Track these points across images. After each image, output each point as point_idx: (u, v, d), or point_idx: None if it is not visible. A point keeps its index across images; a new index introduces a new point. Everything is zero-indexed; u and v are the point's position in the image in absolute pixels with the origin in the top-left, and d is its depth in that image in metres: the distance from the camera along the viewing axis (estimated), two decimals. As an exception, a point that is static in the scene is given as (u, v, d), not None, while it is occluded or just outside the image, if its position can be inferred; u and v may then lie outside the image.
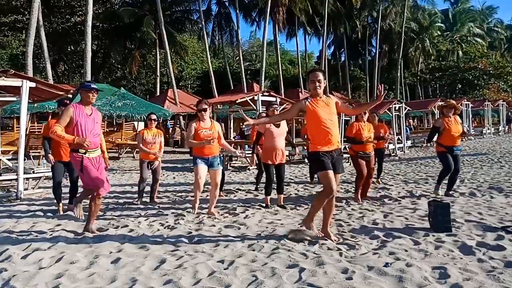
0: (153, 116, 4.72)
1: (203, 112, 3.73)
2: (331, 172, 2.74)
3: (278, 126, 4.24)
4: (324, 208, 2.91)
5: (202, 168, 3.71)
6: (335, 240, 2.82)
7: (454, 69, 29.00)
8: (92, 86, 3.08)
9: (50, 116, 11.45)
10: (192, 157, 3.90)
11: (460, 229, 3.05)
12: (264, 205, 4.22)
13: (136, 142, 4.87)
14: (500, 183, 5.21)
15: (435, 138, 4.70)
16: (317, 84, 2.78)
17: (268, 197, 4.24)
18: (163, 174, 7.63)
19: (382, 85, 2.97)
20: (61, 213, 4.00)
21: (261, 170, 5.58)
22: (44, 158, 7.95)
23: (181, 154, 12.84)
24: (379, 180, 5.80)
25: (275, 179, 4.25)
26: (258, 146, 4.64)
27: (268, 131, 4.26)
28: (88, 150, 3.02)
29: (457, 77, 28.52)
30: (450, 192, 4.51)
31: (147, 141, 4.55)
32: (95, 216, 3.24)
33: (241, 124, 15.89)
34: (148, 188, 4.72)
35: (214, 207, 3.90)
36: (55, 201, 4.23)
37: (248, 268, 2.34)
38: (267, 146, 4.28)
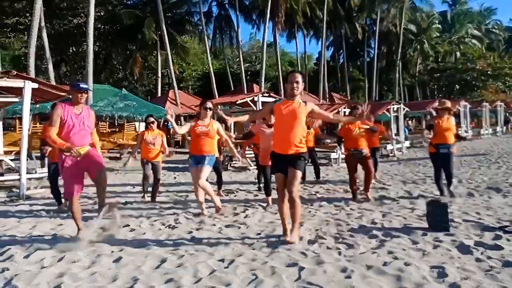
0: (151, 119, 4.73)
1: (208, 111, 3.77)
2: (278, 175, 2.84)
3: (271, 126, 4.27)
4: (289, 212, 2.83)
5: (194, 170, 3.73)
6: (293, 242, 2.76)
7: (452, 70, 29.05)
8: (81, 86, 3.07)
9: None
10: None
11: (458, 228, 3.07)
12: (265, 204, 4.24)
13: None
14: (498, 183, 5.23)
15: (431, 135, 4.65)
16: (295, 85, 2.78)
17: (270, 197, 4.27)
18: (164, 175, 7.66)
19: (368, 105, 3.05)
20: (64, 208, 4.07)
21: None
22: (46, 158, 7.97)
23: (181, 154, 12.85)
24: (375, 175, 5.78)
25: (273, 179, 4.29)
26: (255, 147, 4.67)
27: (262, 132, 4.29)
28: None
29: (455, 78, 28.57)
30: (451, 189, 4.45)
31: (147, 141, 4.62)
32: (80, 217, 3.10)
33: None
34: (149, 189, 4.77)
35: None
36: (54, 201, 4.28)
37: (248, 267, 2.36)
38: (263, 147, 4.32)
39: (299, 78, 2.79)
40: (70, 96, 5.88)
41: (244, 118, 3.27)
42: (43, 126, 4.50)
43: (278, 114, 2.84)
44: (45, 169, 5.08)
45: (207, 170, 3.70)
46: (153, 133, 4.68)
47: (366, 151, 4.46)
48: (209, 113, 3.80)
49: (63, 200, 4.18)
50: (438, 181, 4.44)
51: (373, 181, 5.72)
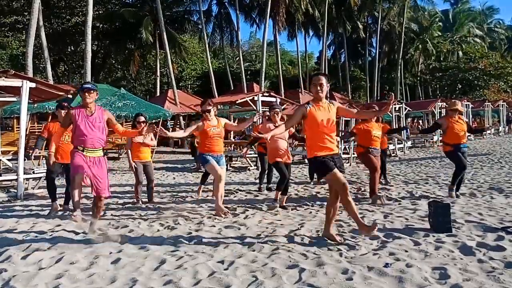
0: (142, 119, 4.55)
1: (207, 114, 3.77)
2: (337, 171, 2.75)
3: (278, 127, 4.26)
4: (328, 210, 2.89)
5: (214, 163, 3.74)
6: (340, 240, 2.80)
7: (454, 70, 28.98)
8: (83, 86, 3.10)
9: (50, 117, 11.48)
10: (198, 156, 3.92)
11: (460, 229, 3.05)
12: (273, 198, 4.24)
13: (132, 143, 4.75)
14: (500, 184, 5.21)
15: (435, 138, 4.71)
16: (319, 88, 2.79)
17: (279, 192, 4.24)
18: (163, 175, 7.64)
19: (393, 94, 3.00)
20: (54, 212, 4.03)
21: (264, 169, 5.60)
22: (43, 158, 7.95)
23: (181, 155, 12.84)
24: (381, 179, 5.80)
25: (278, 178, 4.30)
26: (261, 146, 4.67)
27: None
28: (86, 148, 3.03)
29: (457, 78, 28.51)
30: (458, 193, 4.46)
31: (137, 141, 4.50)
32: (98, 217, 3.25)
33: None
34: (143, 189, 4.69)
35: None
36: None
37: (248, 268, 2.34)
38: (271, 147, 4.32)
39: (322, 80, 2.80)
40: (70, 96, 5.87)
41: (281, 129, 3.06)
42: (45, 125, 4.50)
43: (313, 118, 2.80)
44: (43, 169, 5.05)
45: (225, 171, 3.87)
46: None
47: (379, 150, 4.59)
48: (212, 113, 3.80)
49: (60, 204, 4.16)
50: (457, 178, 4.40)
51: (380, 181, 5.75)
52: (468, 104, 16.18)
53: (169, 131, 4.70)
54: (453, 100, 4.80)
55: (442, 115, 11.25)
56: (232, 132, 11.64)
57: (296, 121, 2.97)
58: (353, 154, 8.39)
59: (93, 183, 3.06)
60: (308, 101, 2.93)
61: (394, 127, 5.46)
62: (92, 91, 3.09)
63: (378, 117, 5.25)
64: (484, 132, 14.77)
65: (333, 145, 2.82)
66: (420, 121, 19.46)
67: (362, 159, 4.69)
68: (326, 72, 25.47)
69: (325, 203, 4.28)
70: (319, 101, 2.84)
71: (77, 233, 3.19)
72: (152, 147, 4.68)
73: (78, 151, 3.03)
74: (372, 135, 4.47)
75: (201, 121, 3.79)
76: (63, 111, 4.06)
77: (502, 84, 28.06)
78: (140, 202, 4.50)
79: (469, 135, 14.55)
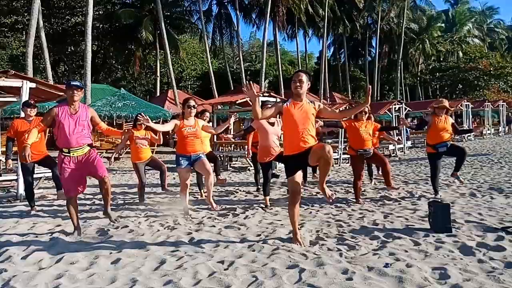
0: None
1: (192, 109, 3.71)
2: (296, 177, 2.76)
3: (272, 124, 4.24)
4: (319, 169, 2.77)
5: (185, 170, 3.69)
6: (331, 195, 2.70)
7: (454, 70, 29.00)
8: (71, 83, 3.06)
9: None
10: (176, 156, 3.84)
11: (460, 229, 3.05)
12: (264, 205, 4.23)
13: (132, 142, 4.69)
14: (500, 184, 5.20)
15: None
16: (298, 84, 2.73)
17: (268, 197, 4.25)
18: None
19: (370, 87, 2.97)
20: (33, 212, 4.05)
21: (257, 170, 5.58)
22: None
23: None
24: (372, 179, 5.80)
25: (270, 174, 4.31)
26: (253, 146, 4.68)
27: (262, 129, 4.23)
28: (71, 149, 3.00)
29: (457, 78, 28.53)
30: (458, 173, 4.43)
31: (137, 141, 4.50)
32: (109, 202, 3.38)
33: (241, 125, 15.91)
34: (146, 189, 4.70)
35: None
36: (52, 201, 4.25)
37: (248, 268, 2.34)
38: (262, 145, 4.27)
39: (303, 77, 2.75)
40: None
41: (258, 113, 3.03)
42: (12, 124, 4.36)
43: (288, 115, 2.76)
44: (42, 169, 5.04)
45: (208, 162, 3.74)
46: (141, 132, 4.59)
47: (371, 150, 4.43)
48: (194, 111, 3.74)
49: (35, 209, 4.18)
50: (434, 180, 4.44)
51: (374, 182, 5.76)
52: (468, 104, 16.16)
53: (169, 132, 4.68)
54: (440, 99, 4.73)
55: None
56: (232, 132, 11.63)
57: (270, 113, 2.91)
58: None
59: (89, 175, 3.08)
60: (288, 99, 2.90)
61: (388, 126, 5.30)
62: (80, 89, 3.06)
63: (368, 115, 5.23)
64: (469, 134, 14.71)
65: (307, 144, 2.72)
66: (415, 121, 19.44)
67: (351, 161, 4.66)
68: (326, 72, 25.60)
69: (325, 203, 4.31)
70: (298, 99, 2.79)
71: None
72: (153, 148, 4.67)
73: (64, 157, 2.99)
74: (360, 133, 4.35)
75: (177, 119, 3.74)
76: (29, 109, 4.11)
77: (502, 84, 28.06)
78: (141, 203, 4.50)
79: (469, 135, 14.58)
